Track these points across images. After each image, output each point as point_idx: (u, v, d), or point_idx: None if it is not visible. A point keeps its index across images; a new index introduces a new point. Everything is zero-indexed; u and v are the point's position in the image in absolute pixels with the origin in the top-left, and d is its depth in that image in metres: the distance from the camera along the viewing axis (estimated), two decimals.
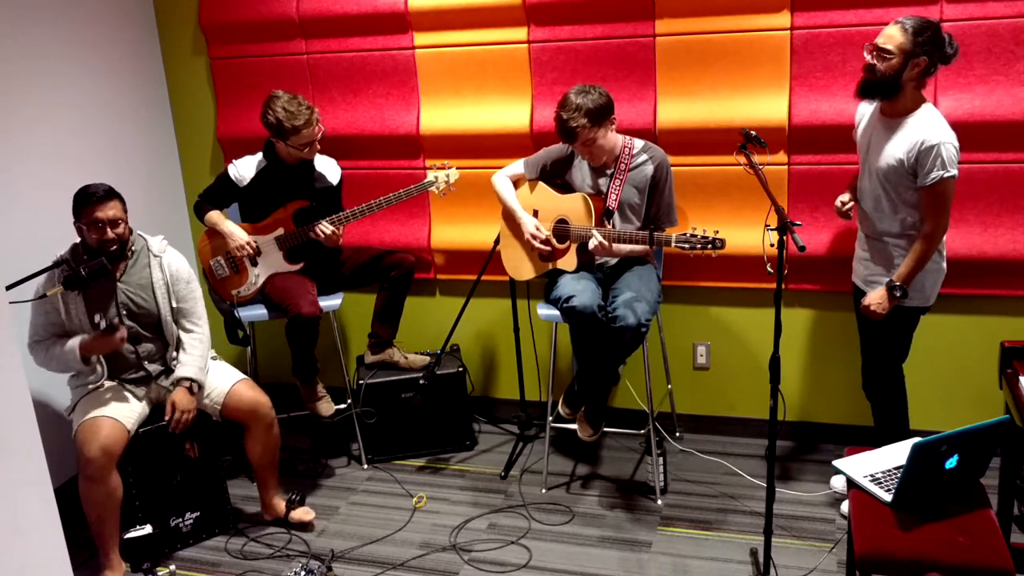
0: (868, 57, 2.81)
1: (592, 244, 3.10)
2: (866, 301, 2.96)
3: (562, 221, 3.33)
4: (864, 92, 2.86)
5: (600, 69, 3.57)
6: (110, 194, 3.09)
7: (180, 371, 3.19)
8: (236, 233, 3.53)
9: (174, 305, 3.21)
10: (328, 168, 3.65)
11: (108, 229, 3.07)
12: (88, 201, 3.06)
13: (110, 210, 3.07)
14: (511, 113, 3.72)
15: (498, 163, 3.69)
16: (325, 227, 3.40)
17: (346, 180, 3.82)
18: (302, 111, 3.40)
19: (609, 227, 3.20)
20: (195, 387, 3.19)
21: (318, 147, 3.53)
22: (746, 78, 3.39)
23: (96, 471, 3.00)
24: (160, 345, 3.24)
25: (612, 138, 3.21)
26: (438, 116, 3.81)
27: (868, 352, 3.17)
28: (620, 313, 3.06)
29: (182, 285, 3.24)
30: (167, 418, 3.16)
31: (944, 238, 2.93)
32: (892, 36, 2.76)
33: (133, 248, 3.20)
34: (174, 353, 3.23)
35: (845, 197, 3.08)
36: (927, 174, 2.78)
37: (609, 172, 3.26)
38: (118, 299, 3.14)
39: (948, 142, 2.77)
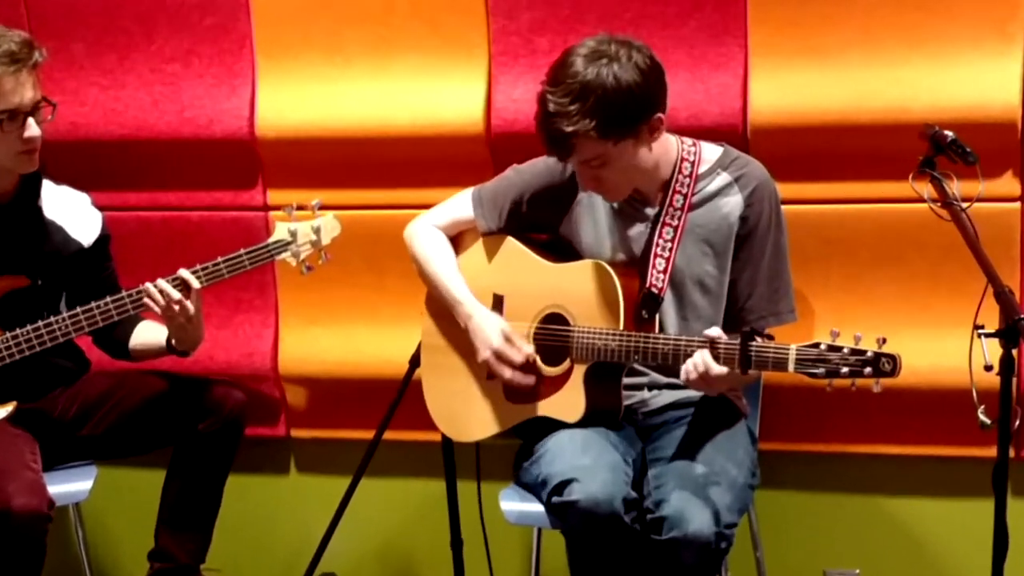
0: None
1: (695, 375, 2.72)
2: None
3: (554, 318, 2.97)
4: None
5: (631, 4, 3.20)
6: None
7: None
8: None
9: None
10: (74, 214, 3.28)
11: None
12: None
13: None
14: (446, 95, 3.37)
15: (421, 199, 3.31)
16: (186, 279, 3.01)
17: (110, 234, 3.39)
18: (10, 36, 3.00)
19: (654, 331, 2.82)
20: None
21: (39, 140, 3.10)
22: (930, 24, 3.04)
23: None
24: None
25: (651, 154, 2.83)
26: (294, 101, 3.44)
27: None
28: (674, 511, 2.66)
29: None
30: None
31: None
32: None
33: None
34: None
35: None
36: None
37: (653, 211, 2.92)
38: None
39: None
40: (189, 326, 3.06)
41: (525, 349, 2.91)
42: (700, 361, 2.69)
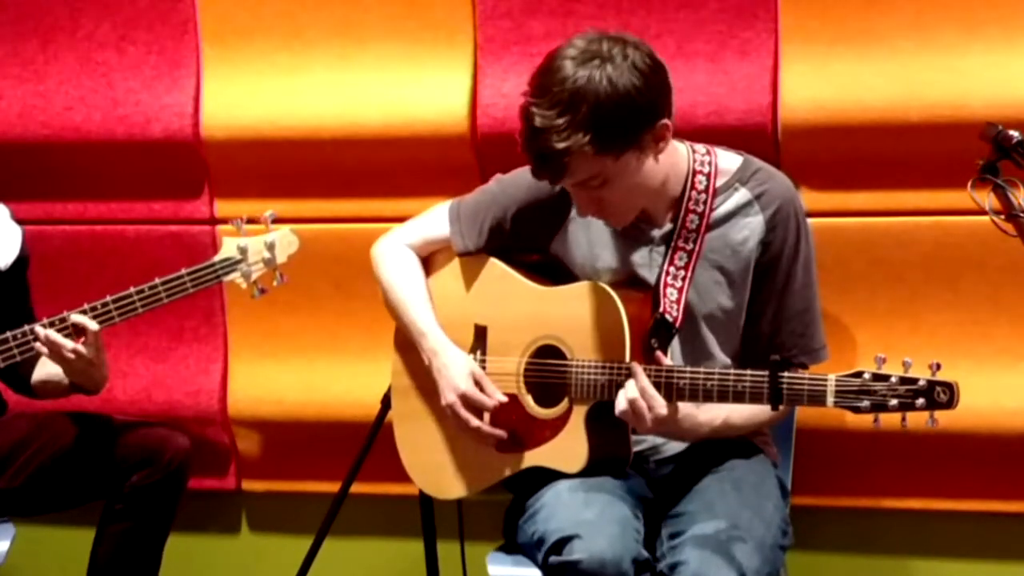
0: None
1: (623, 405, 2.63)
2: None
3: (548, 351, 2.88)
4: None
5: None
6: None
7: None
8: None
9: None
10: None
11: None
12: None
13: None
14: (424, 88, 3.34)
15: (394, 211, 3.28)
16: (78, 323, 2.96)
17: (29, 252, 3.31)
18: None
19: (666, 361, 2.70)
20: None
21: None
22: (993, 7, 3.06)
23: None
24: None
25: (658, 168, 2.77)
26: (246, 95, 3.41)
27: None
28: (692, 571, 2.62)
29: None
30: None
31: None
32: None
33: None
34: None
35: None
36: None
37: (660, 232, 2.88)
38: None
39: None
40: (91, 369, 3.00)
41: (497, 395, 2.85)
42: (635, 388, 2.66)
